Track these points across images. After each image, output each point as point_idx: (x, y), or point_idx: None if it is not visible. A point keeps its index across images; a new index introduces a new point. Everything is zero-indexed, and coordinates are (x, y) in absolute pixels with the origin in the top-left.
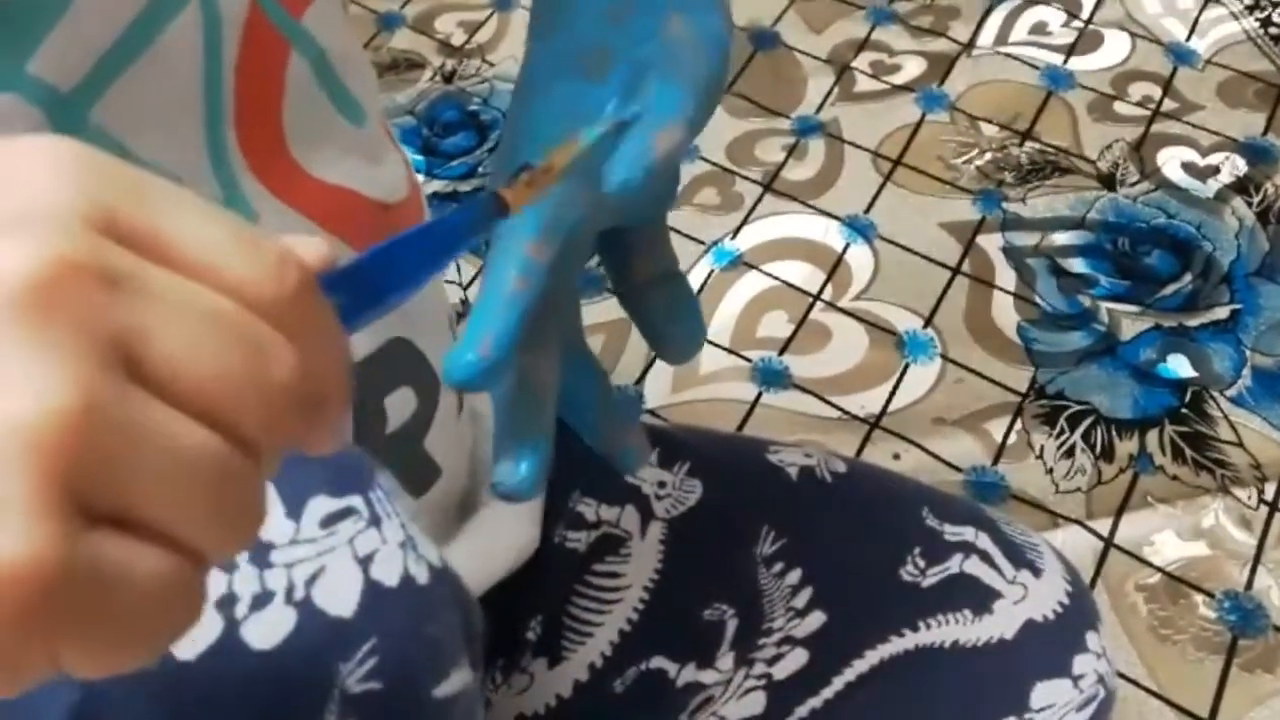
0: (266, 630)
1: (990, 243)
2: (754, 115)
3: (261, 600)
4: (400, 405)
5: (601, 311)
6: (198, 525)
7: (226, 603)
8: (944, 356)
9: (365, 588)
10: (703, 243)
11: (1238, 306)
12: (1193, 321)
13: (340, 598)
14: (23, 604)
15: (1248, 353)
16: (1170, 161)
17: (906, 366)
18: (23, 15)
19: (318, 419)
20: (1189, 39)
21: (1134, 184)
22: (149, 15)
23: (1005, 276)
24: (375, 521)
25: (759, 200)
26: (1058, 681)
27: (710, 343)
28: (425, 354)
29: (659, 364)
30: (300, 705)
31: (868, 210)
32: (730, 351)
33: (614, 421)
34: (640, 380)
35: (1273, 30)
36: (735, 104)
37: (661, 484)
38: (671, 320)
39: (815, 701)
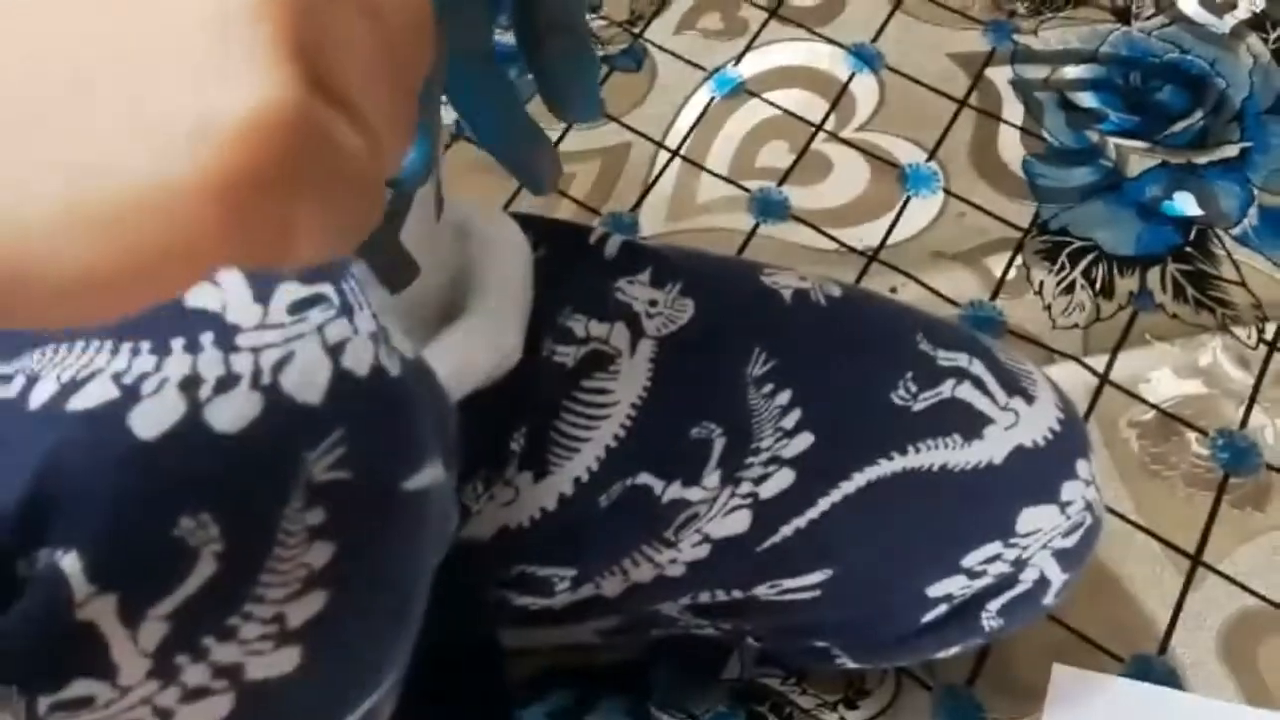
0: (231, 413)
1: (999, 75)
2: None
3: (226, 383)
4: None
5: (595, 138)
6: (385, 113)
7: (190, 384)
8: (946, 190)
9: (334, 376)
10: (704, 69)
11: (1248, 144)
12: (1201, 159)
13: (308, 385)
14: (268, 156)
15: (1256, 191)
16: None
17: (908, 200)
18: None
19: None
20: None
21: (1149, 18)
22: None
23: (1013, 110)
24: (346, 311)
25: (764, 26)
26: (1045, 507)
27: (709, 171)
28: None
29: (655, 192)
30: (264, 490)
31: (875, 39)
32: (729, 181)
33: (523, 137)
34: (636, 207)
35: None
36: None
37: (653, 302)
38: (568, 76)
39: (800, 521)
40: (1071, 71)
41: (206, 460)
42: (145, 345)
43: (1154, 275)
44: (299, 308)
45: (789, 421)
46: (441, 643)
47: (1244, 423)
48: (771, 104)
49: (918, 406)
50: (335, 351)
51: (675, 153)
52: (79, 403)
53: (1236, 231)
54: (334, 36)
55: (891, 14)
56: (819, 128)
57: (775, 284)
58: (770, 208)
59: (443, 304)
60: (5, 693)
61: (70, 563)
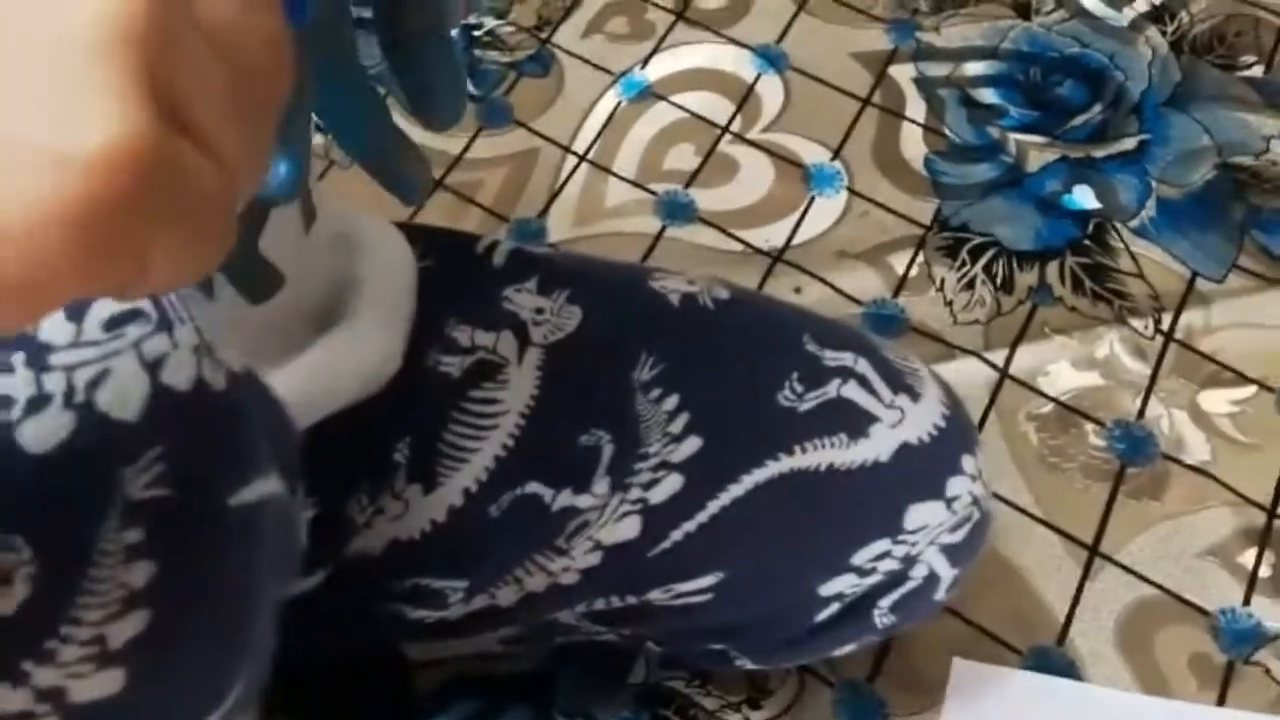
0: (43, 433)
1: (902, 73)
2: None
3: (38, 403)
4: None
5: (503, 144)
6: (240, 141)
7: (0, 405)
8: (850, 189)
9: (152, 392)
10: (611, 73)
11: (1146, 137)
12: (1100, 153)
13: (124, 402)
14: (122, 187)
15: (1153, 184)
16: None
17: (812, 199)
18: None
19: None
20: None
21: (1049, 13)
22: None
23: (915, 108)
24: (165, 325)
25: (670, 29)
26: (931, 504)
27: (615, 175)
28: None
29: (563, 196)
30: (78, 510)
31: (780, 40)
32: (635, 184)
33: (389, 144)
34: (544, 213)
35: None
36: None
37: (539, 310)
38: (435, 82)
39: (690, 525)
40: (973, 68)
41: (17, 482)
42: None
43: (1053, 269)
44: (114, 324)
45: (677, 426)
46: (344, 656)
47: (1141, 413)
48: (678, 106)
49: (804, 407)
50: (154, 367)
51: (583, 157)
52: None
53: (1134, 224)
54: (187, 69)
55: (796, 15)
56: (725, 129)
57: (663, 288)
58: (677, 210)
59: (321, 314)
60: None
61: None
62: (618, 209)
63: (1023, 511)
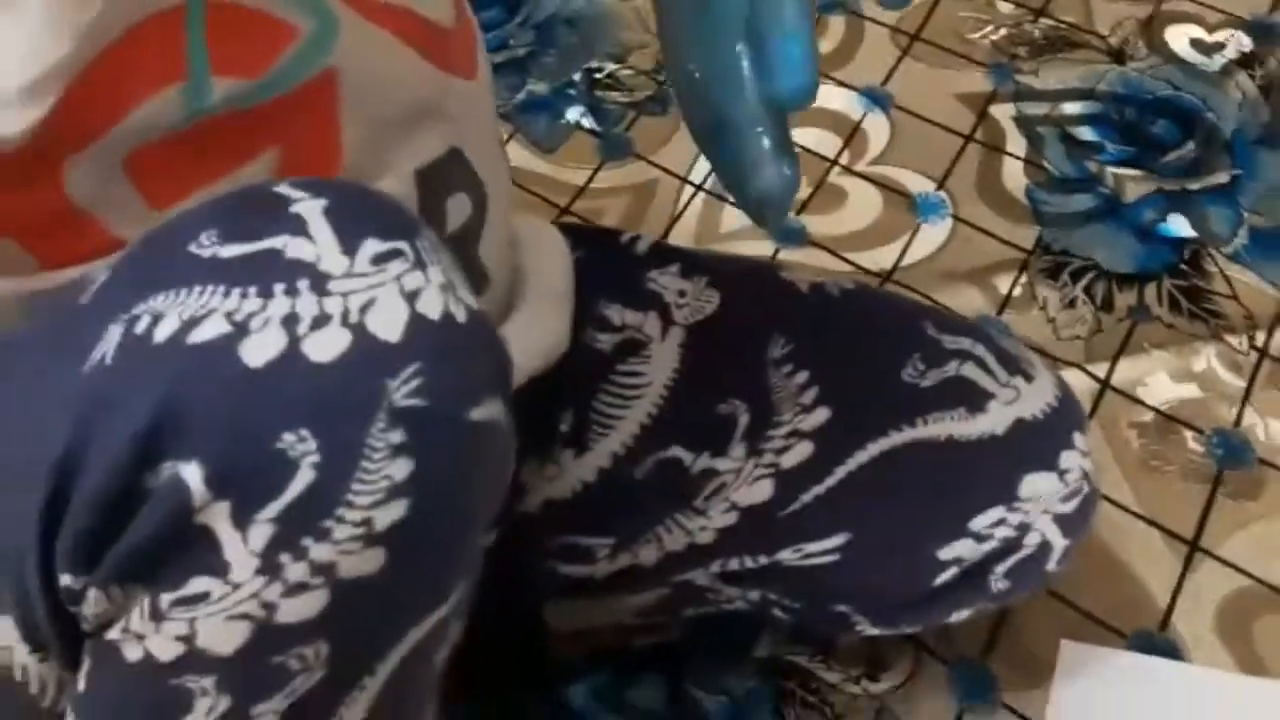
0: (325, 346)
1: (1002, 112)
2: None
3: (320, 321)
4: (457, 210)
5: (624, 175)
6: None
7: (290, 321)
8: (955, 217)
9: (410, 318)
10: None
11: (1238, 172)
12: (1194, 185)
13: (388, 325)
14: None
15: (1245, 214)
16: (1178, 38)
17: (919, 226)
18: None
19: None
20: None
21: (1143, 59)
22: None
23: (1016, 143)
24: (421, 265)
25: None
26: (1045, 474)
27: (730, 203)
28: (475, 166)
29: (681, 223)
30: (353, 411)
31: (884, 82)
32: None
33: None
34: (664, 237)
35: None
36: None
37: (682, 293)
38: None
39: (819, 489)
40: (1070, 108)
41: (305, 385)
42: (252, 290)
43: (1151, 291)
44: (380, 260)
45: (807, 398)
46: (491, 616)
47: (1238, 421)
48: None
49: (925, 383)
50: (411, 298)
51: (699, 186)
52: (197, 337)
53: (1228, 250)
54: None
55: (900, 59)
56: (834, 162)
57: (794, 278)
58: (790, 235)
59: (504, 305)
60: (132, 590)
61: (191, 473)
62: (734, 234)
63: (1126, 510)
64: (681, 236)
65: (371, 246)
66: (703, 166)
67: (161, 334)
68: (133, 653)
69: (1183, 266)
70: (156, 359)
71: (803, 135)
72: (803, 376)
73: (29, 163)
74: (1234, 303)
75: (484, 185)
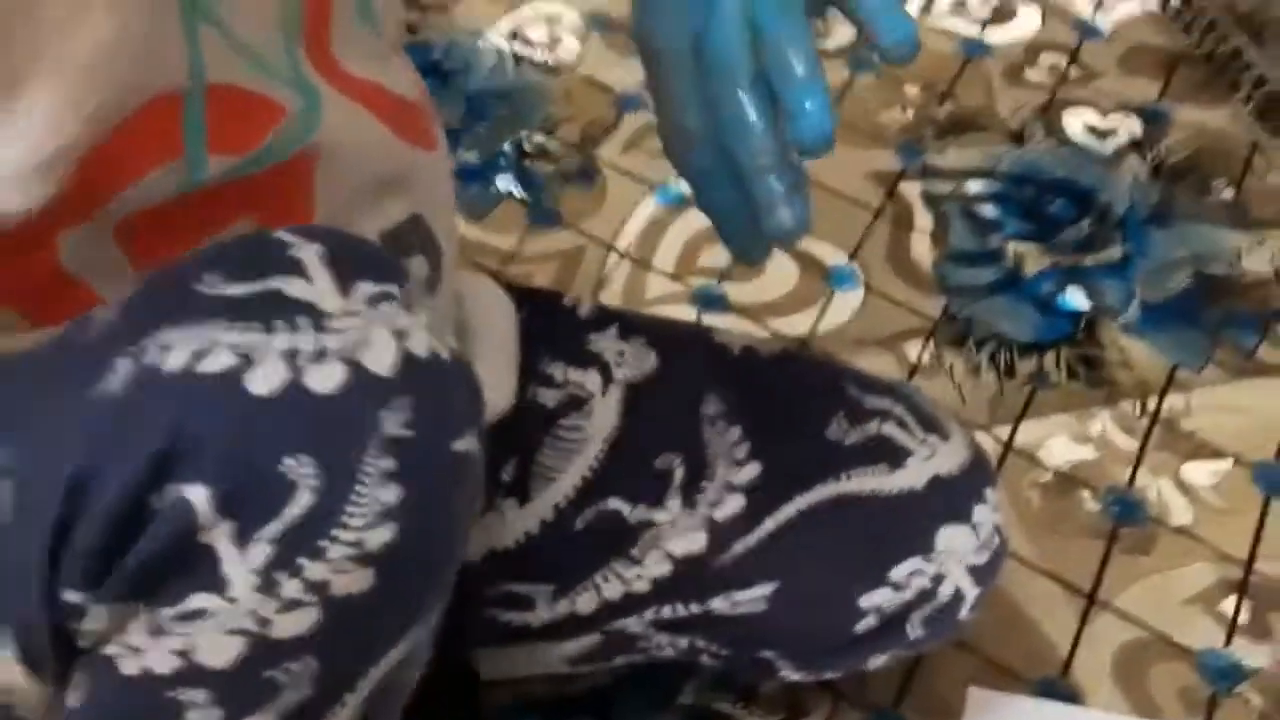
0: (324, 378)
1: (910, 189)
2: None
3: (319, 355)
4: (416, 269)
5: (552, 242)
6: None
7: (291, 355)
8: (867, 286)
9: (400, 355)
10: (649, 183)
11: (1130, 249)
12: (1089, 261)
13: (381, 360)
14: None
15: (1137, 289)
16: (1074, 123)
17: (832, 295)
18: None
19: None
20: (1095, 15)
21: (1041, 141)
22: None
23: (923, 219)
24: (408, 307)
25: None
26: (959, 527)
27: (655, 270)
28: (434, 230)
29: (607, 289)
30: (349, 439)
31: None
32: (673, 278)
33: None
34: (592, 299)
35: (1170, 8)
36: None
37: (621, 353)
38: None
39: (750, 540)
40: (973, 186)
41: (305, 414)
42: (256, 325)
43: (1050, 359)
44: (373, 301)
45: (740, 453)
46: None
47: (1131, 481)
48: None
49: (849, 441)
50: (400, 336)
51: (625, 255)
52: (205, 367)
53: (1121, 321)
54: None
55: None
56: None
57: (725, 341)
58: (711, 301)
59: None
60: (134, 605)
61: (197, 494)
62: (658, 299)
63: (1028, 564)
64: (608, 301)
65: (365, 289)
66: (628, 235)
67: (171, 364)
68: (129, 666)
69: (1080, 336)
70: (166, 387)
71: None
72: (735, 433)
73: (28, 234)
74: (1127, 371)
75: (440, 247)
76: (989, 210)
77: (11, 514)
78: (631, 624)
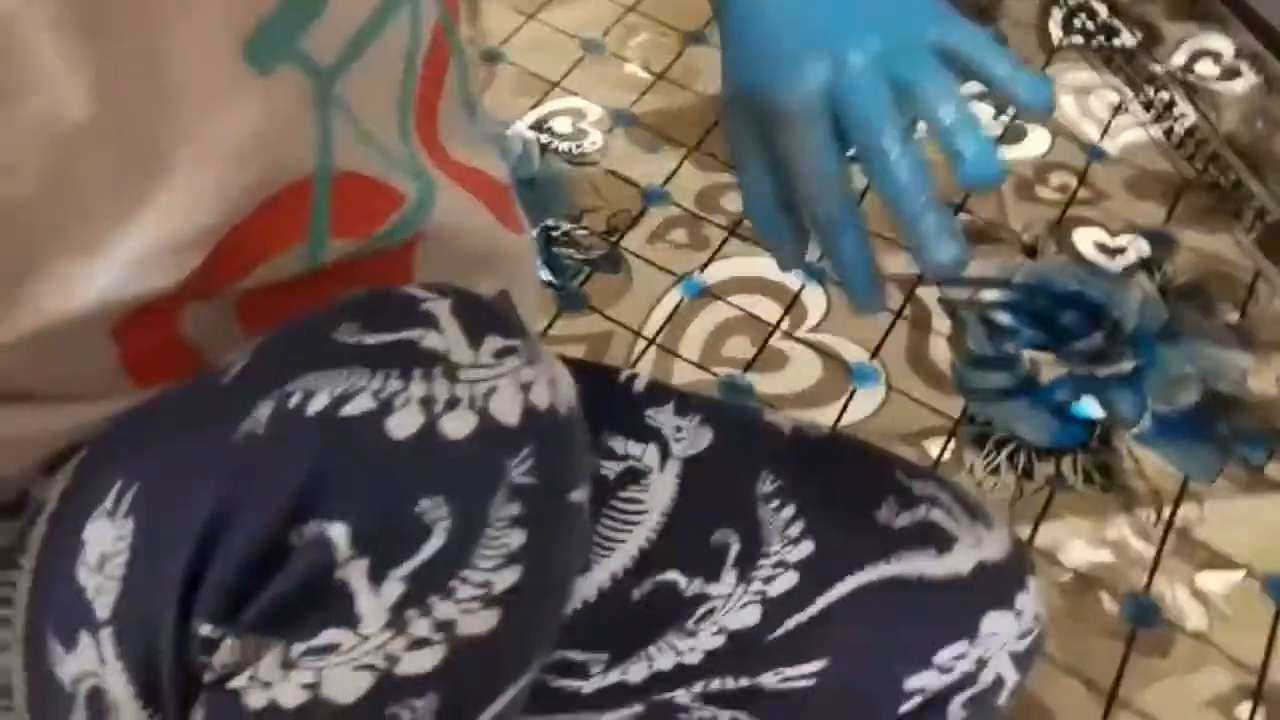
0: (457, 425)
1: (929, 294)
2: (719, 171)
3: (452, 404)
4: None
5: (581, 325)
6: None
7: (427, 402)
8: (888, 384)
9: (525, 406)
10: (674, 274)
11: (1139, 363)
12: (1101, 372)
13: (508, 411)
14: None
15: (1148, 401)
16: (1084, 240)
17: (854, 391)
18: (304, 3)
19: None
20: (1101, 139)
21: (1052, 255)
22: (380, 13)
23: (941, 323)
24: (531, 361)
25: (724, 242)
26: (1003, 613)
27: (681, 358)
28: (519, 305)
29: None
30: (480, 483)
31: (821, 259)
32: (699, 366)
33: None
34: None
35: (1174, 138)
36: (704, 160)
37: (679, 429)
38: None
39: (802, 616)
40: (989, 295)
41: (440, 458)
42: (394, 373)
43: (1067, 463)
44: (500, 354)
45: (793, 531)
46: None
47: (1147, 587)
48: (734, 305)
49: (898, 524)
50: (525, 389)
51: (651, 341)
52: (347, 411)
53: (1135, 432)
54: None
55: None
56: (775, 327)
57: (775, 421)
58: (738, 391)
59: None
60: (266, 639)
61: (337, 531)
62: (685, 386)
63: (1051, 662)
64: None
65: (492, 342)
66: (654, 323)
67: (314, 407)
68: (256, 700)
69: (1095, 444)
70: (310, 429)
71: (747, 301)
72: (789, 511)
73: (155, 306)
74: (1142, 479)
75: (524, 323)
76: (1004, 318)
77: (140, 548)
78: (679, 695)
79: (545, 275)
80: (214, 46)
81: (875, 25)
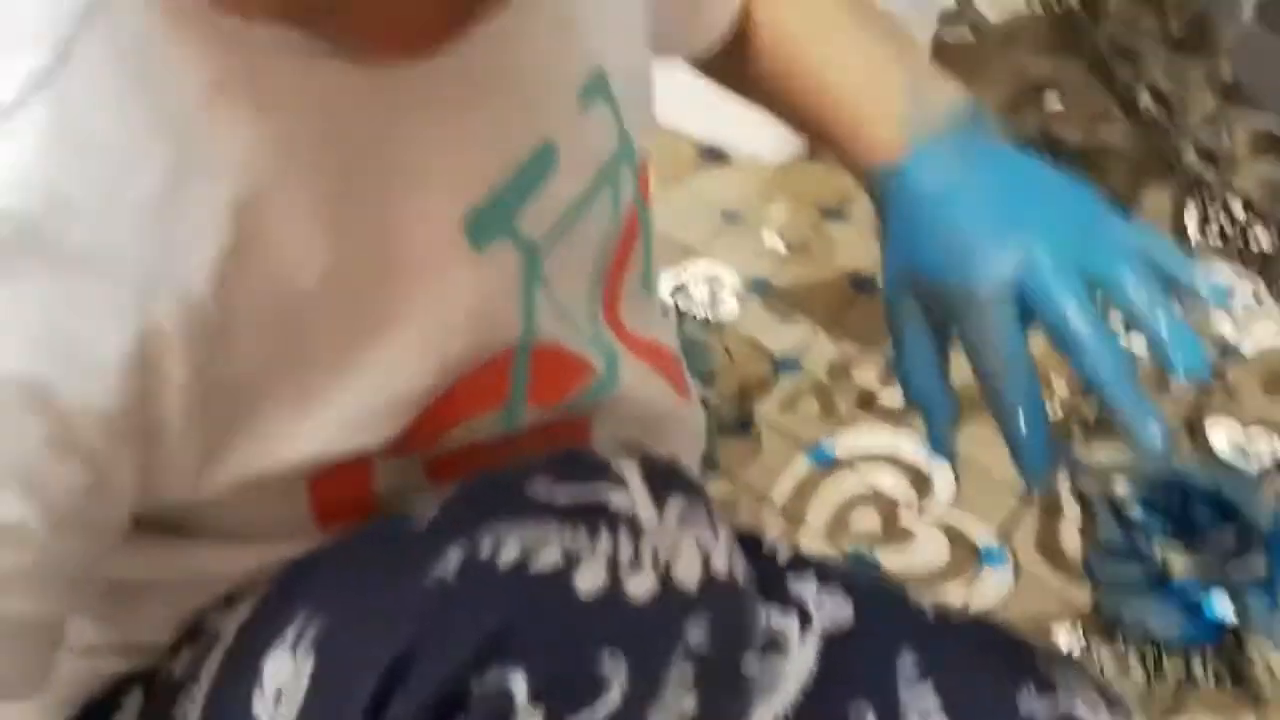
0: (639, 585)
1: (1059, 480)
2: (851, 343)
3: (635, 564)
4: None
5: (710, 489)
6: None
7: (612, 561)
8: (1016, 567)
9: (704, 572)
10: (803, 443)
11: (1273, 568)
12: (1234, 572)
13: (688, 575)
14: None
15: None
16: (1218, 436)
17: (982, 573)
18: (523, 184)
19: None
20: (1237, 337)
21: (1185, 450)
22: (588, 193)
23: (1071, 509)
24: (713, 526)
25: (854, 415)
26: None
27: (807, 528)
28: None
29: None
30: (659, 644)
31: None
32: (826, 538)
33: None
34: None
35: None
36: (837, 332)
37: (820, 600)
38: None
39: None
40: (1121, 485)
41: (622, 617)
42: (583, 529)
43: (1197, 661)
44: (683, 517)
45: (931, 706)
46: None
47: None
48: (862, 478)
49: (1040, 714)
50: (706, 554)
51: (779, 509)
52: (535, 564)
53: (1267, 637)
54: None
55: (965, 419)
56: (903, 504)
57: (917, 599)
58: (864, 567)
59: None
60: None
61: (517, 681)
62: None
63: None
64: None
65: (676, 504)
66: (781, 490)
67: (504, 558)
68: None
69: (1227, 644)
70: (499, 579)
71: (876, 474)
72: (927, 690)
73: (351, 463)
74: (1275, 685)
75: (703, 488)
76: (1136, 510)
77: (319, 685)
78: None
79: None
80: (438, 222)
81: (1065, 218)
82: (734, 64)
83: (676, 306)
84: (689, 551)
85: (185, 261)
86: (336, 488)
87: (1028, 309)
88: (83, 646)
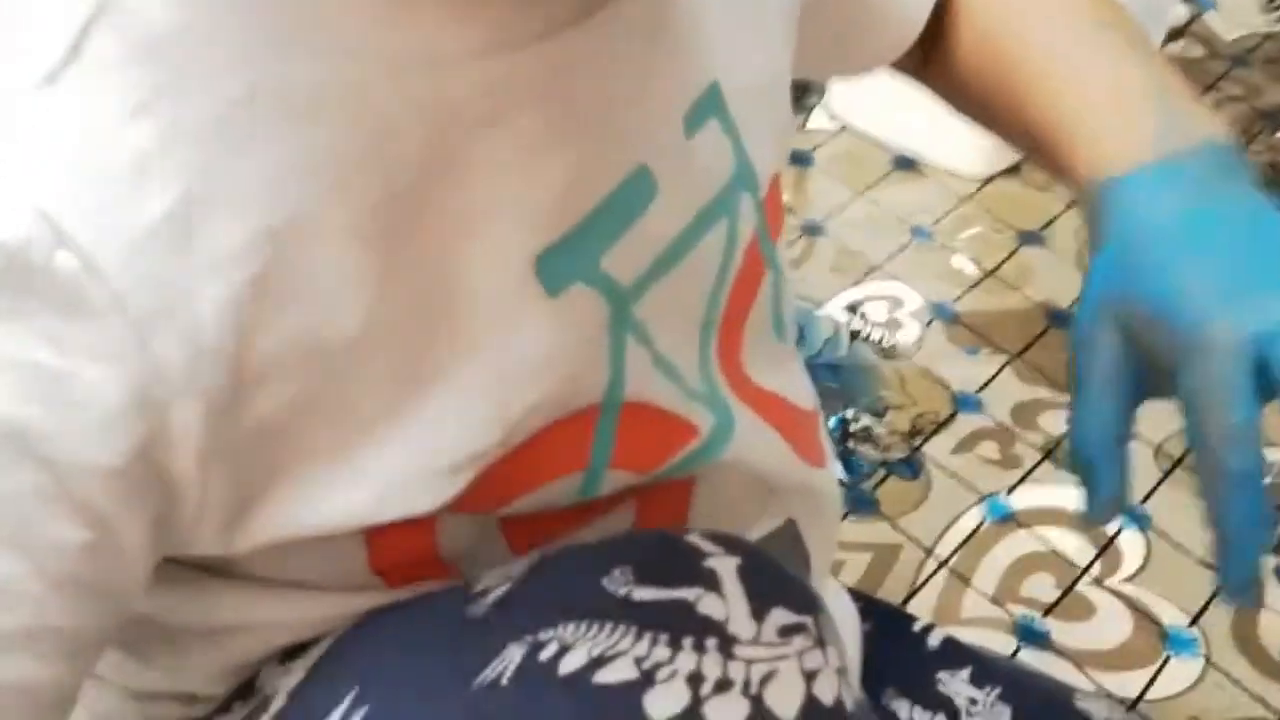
0: (725, 711)
1: (1265, 563)
2: (1042, 385)
3: (722, 685)
4: None
5: (868, 533)
6: None
7: (694, 680)
8: (1207, 659)
9: (805, 699)
10: (978, 492)
11: None
12: None
13: (786, 702)
14: None
15: None
16: None
17: (1168, 659)
18: (610, 219)
19: None
20: None
21: None
22: (694, 227)
23: (1275, 597)
24: (821, 643)
25: (1037, 465)
26: None
27: (974, 588)
28: (806, 538)
29: (920, 596)
30: None
31: (1145, 500)
32: (994, 601)
33: None
34: (902, 605)
35: None
36: (1026, 371)
37: (973, 700)
38: None
39: None
40: None
41: None
42: (663, 638)
43: None
44: (786, 632)
45: None
46: None
47: None
48: (1040, 538)
49: None
50: (809, 677)
51: (944, 563)
52: (603, 677)
53: None
54: None
55: (1162, 480)
56: (1085, 571)
57: (1087, 709)
58: (1032, 636)
59: None
60: None
61: None
62: (972, 620)
63: None
64: (918, 609)
65: (779, 616)
66: (949, 543)
67: (568, 666)
68: None
69: None
70: (560, 690)
71: (1055, 535)
72: None
73: (415, 522)
74: None
75: (808, 555)
76: None
77: None
78: None
79: (837, 471)
80: (505, 261)
81: None
82: (935, 61)
83: (851, 327)
84: (789, 674)
85: (198, 297)
86: (397, 543)
87: (1266, 381)
88: (137, 689)
